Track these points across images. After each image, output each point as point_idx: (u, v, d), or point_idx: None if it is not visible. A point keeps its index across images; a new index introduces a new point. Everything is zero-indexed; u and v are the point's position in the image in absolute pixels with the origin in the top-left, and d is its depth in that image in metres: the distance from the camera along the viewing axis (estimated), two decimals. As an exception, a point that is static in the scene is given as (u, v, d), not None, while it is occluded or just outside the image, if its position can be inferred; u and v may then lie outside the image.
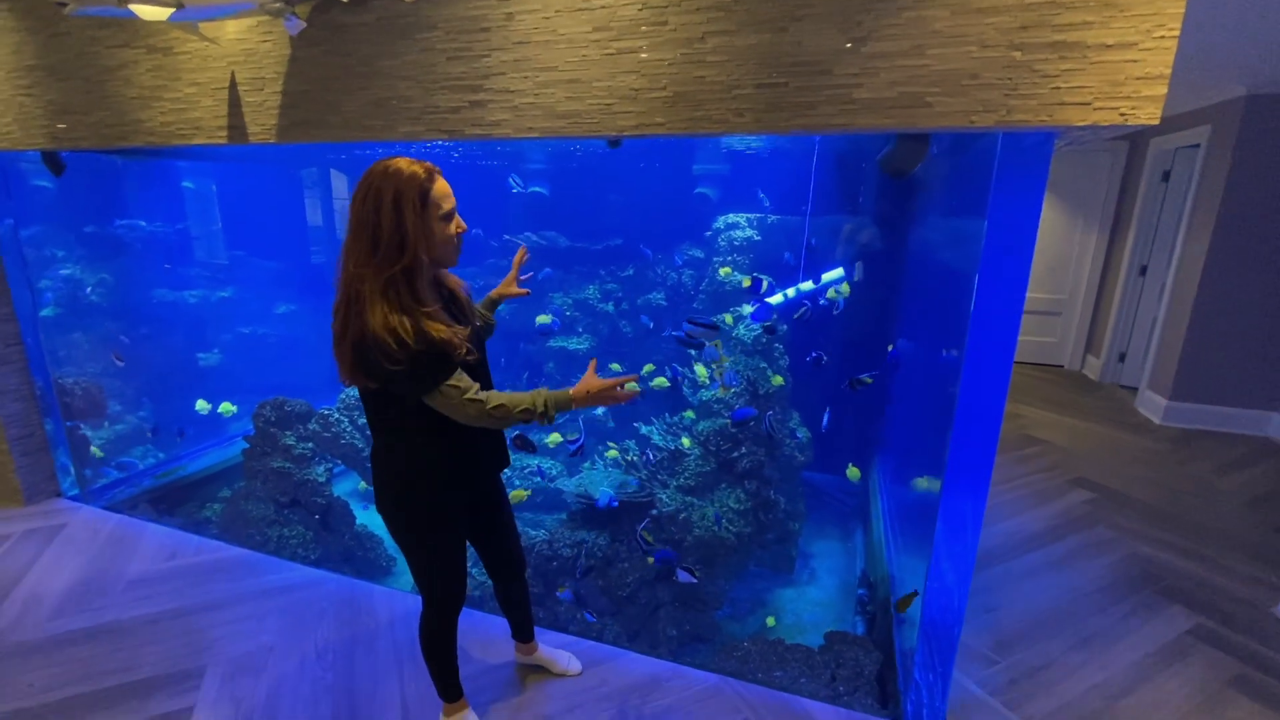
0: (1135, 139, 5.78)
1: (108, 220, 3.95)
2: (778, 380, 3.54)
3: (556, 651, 2.22)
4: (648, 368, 3.70)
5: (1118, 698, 2.14)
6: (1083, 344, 6.33)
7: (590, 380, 1.51)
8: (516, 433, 2.97)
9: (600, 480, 3.45)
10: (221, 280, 4.32)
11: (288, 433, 3.18)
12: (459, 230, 1.46)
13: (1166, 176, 5.40)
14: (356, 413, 3.34)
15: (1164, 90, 1.33)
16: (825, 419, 3.10)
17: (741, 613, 3.29)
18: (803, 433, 3.88)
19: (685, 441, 3.38)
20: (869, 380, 3.04)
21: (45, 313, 3.47)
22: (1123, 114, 1.36)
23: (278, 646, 2.29)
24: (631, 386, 1.53)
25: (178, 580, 2.69)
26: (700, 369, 3.50)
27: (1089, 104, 1.38)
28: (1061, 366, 6.46)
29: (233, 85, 2.16)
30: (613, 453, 3.47)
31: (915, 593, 2.19)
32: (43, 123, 2.53)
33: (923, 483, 3.23)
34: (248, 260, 4.57)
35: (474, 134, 1.87)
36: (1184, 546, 3.10)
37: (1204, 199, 4.65)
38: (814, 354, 3.16)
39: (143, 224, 4.07)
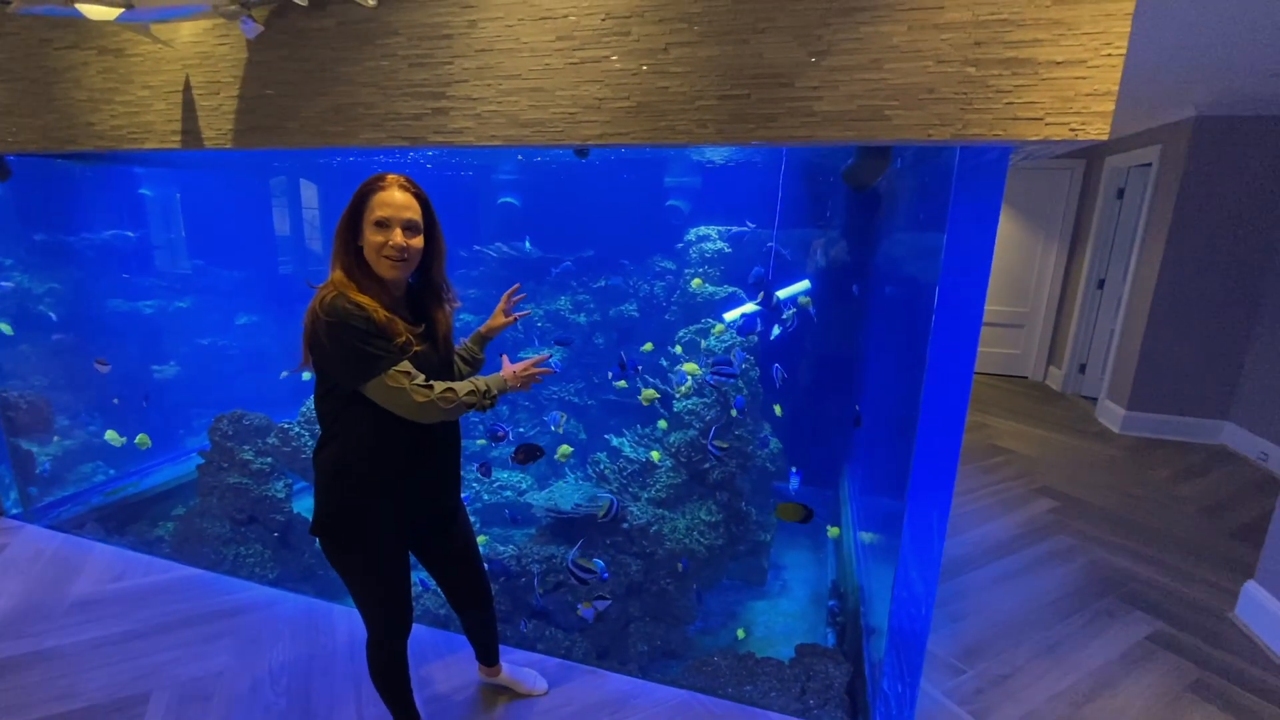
0: (1091, 157, 5.99)
1: (60, 228, 3.81)
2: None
3: (522, 670, 2.17)
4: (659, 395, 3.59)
5: (1081, 704, 2.16)
6: (1045, 355, 6.49)
7: (511, 365, 1.62)
8: (520, 443, 2.89)
9: (570, 493, 3.41)
10: (179, 290, 4.19)
11: (245, 447, 3.08)
12: (391, 242, 1.41)
13: (1121, 194, 5.60)
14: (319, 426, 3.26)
15: (1112, 106, 1.37)
16: (793, 479, 3.10)
17: (714, 626, 3.26)
18: (774, 443, 3.89)
19: (654, 455, 3.36)
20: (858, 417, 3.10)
21: (-11, 323, 3.32)
22: (1073, 129, 1.39)
23: (229, 670, 2.20)
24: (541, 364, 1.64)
25: (125, 602, 2.57)
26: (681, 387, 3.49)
27: (1041, 119, 1.41)
28: (1025, 377, 6.61)
29: (187, 88, 2.10)
30: (565, 449, 3.43)
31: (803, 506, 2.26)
32: (-14, 125, 2.43)
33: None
34: (208, 270, 4.44)
35: (436, 141, 1.84)
36: (1144, 553, 3.16)
37: (1156, 215, 4.82)
38: (776, 368, 3.18)
39: (99, 233, 3.94)
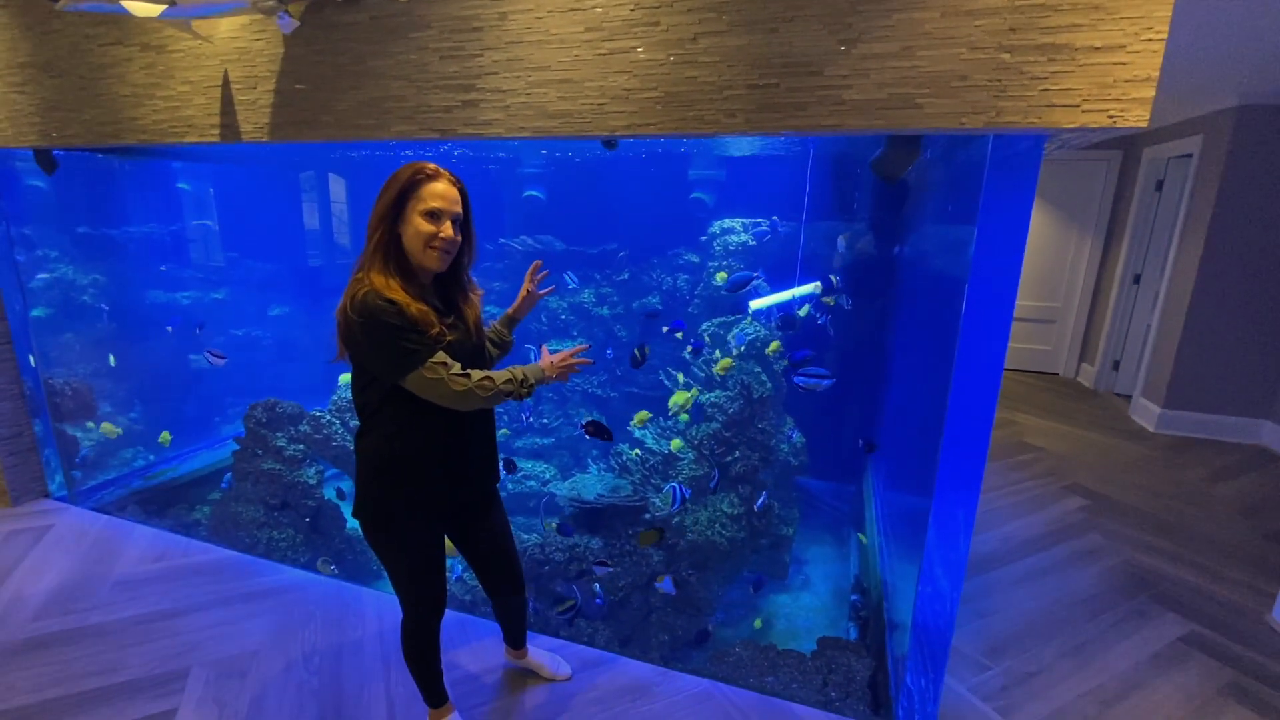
0: (1128, 148, 5.82)
1: (102, 222, 3.94)
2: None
3: (546, 654, 2.20)
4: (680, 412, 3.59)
5: (1110, 704, 2.13)
6: (1077, 352, 6.35)
7: (550, 356, 1.62)
8: (589, 419, 2.91)
9: (593, 484, 3.44)
10: (215, 282, 4.30)
11: (278, 434, 3.16)
12: (443, 233, 1.43)
13: (1160, 185, 5.43)
14: (349, 414, 3.33)
15: (1152, 93, 1.33)
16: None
17: (735, 618, 3.27)
18: (797, 437, 3.87)
19: (675, 444, 3.37)
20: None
21: (36, 313, 3.45)
22: (1111, 116, 1.36)
23: (263, 649, 2.27)
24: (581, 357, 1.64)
25: (164, 582, 2.66)
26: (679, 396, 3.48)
27: (1077, 106, 1.38)
28: (1056, 374, 6.47)
29: (225, 83, 2.15)
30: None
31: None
32: (35, 120, 2.52)
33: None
34: (242, 262, 4.55)
35: (466, 133, 1.87)
36: (1178, 553, 3.09)
37: (1196, 208, 4.68)
38: (803, 353, 3.16)
39: (139, 226, 4.06)
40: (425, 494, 1.57)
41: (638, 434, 3.65)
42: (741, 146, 3.44)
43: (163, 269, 4.27)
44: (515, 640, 2.12)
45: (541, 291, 1.87)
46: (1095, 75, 1.36)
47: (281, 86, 2.08)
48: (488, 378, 1.47)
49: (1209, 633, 2.51)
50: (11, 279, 3.13)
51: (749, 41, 1.58)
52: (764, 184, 4.05)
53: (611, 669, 2.22)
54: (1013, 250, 1.64)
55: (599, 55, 1.71)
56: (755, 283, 3.54)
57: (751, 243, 3.99)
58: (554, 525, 2.63)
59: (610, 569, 2.71)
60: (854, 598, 3.24)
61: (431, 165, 1.44)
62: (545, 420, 4.07)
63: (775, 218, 3.87)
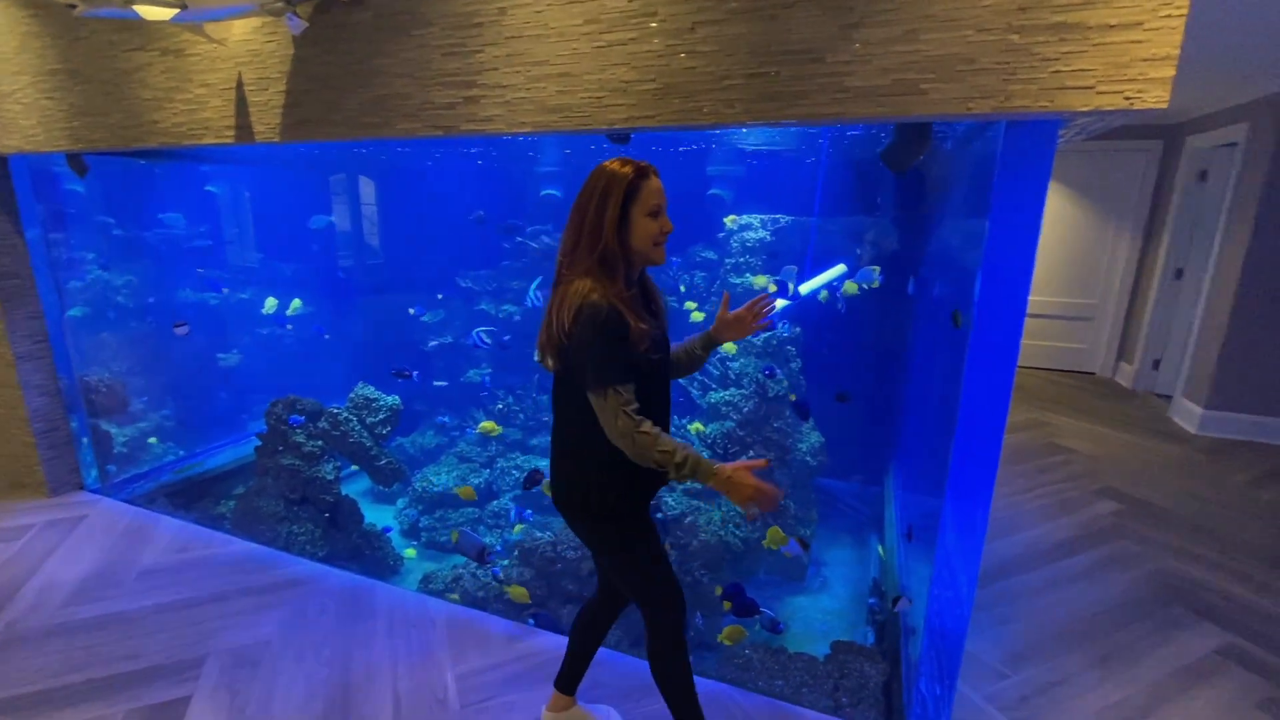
0: (1169, 138, 5.58)
1: (135, 223, 4.07)
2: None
3: (595, 707, 2.01)
4: (695, 426, 3.57)
5: (1136, 718, 2.03)
6: (1115, 350, 6.11)
7: (738, 469, 1.39)
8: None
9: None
10: (242, 282, 4.42)
11: (298, 430, 3.22)
12: (666, 228, 1.43)
13: (1204, 176, 5.19)
14: (365, 412, 3.38)
15: (1172, 72, 1.26)
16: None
17: (749, 621, 3.22)
18: (815, 437, 3.80)
19: (694, 427, 3.31)
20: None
21: (73, 312, 3.58)
22: (1128, 98, 1.29)
23: (276, 639, 2.31)
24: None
25: (187, 572, 2.74)
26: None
27: (1091, 88, 1.31)
28: (1093, 373, 6.24)
29: (239, 86, 2.20)
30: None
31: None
32: (64, 125, 2.61)
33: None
34: (267, 263, 4.67)
35: (468, 129, 1.87)
36: (1217, 561, 2.94)
37: (1242, 199, 4.45)
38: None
39: (169, 228, 4.20)
40: (648, 488, 1.54)
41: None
42: (759, 141, 3.38)
43: (200, 271, 4.40)
44: (572, 684, 1.91)
45: (759, 324, 1.67)
46: (1110, 55, 1.29)
47: (292, 87, 2.12)
48: (651, 434, 1.37)
49: (1248, 644, 2.38)
50: (49, 280, 3.25)
51: (747, 29, 1.54)
52: (782, 179, 3.98)
53: (618, 667, 2.20)
54: (1027, 242, 1.56)
55: (597, 48, 1.69)
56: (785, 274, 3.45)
57: (769, 239, 3.93)
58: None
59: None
60: (871, 601, 3.16)
61: (636, 162, 1.42)
62: (546, 417, 4.08)
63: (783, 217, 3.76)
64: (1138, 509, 3.45)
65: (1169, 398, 5.25)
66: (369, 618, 2.45)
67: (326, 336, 3.86)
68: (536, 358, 1.52)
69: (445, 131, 1.91)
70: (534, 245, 4.42)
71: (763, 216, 4.00)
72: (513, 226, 4.00)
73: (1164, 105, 1.28)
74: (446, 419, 4.39)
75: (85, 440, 3.47)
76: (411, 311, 4.40)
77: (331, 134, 2.09)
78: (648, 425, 1.38)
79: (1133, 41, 1.27)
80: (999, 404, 1.67)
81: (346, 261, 5.03)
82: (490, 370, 4.36)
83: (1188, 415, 4.78)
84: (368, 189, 4.96)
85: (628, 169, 1.40)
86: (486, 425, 3.61)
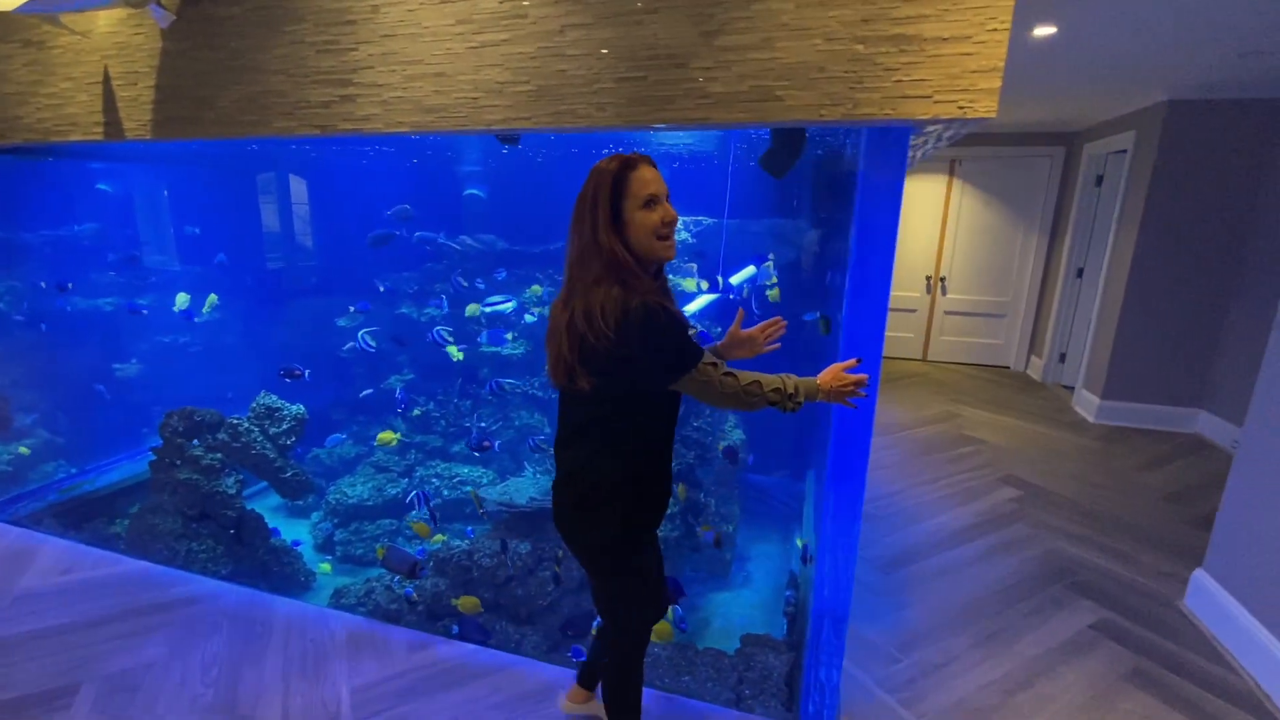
0: (1070, 144, 5.92)
1: (13, 224, 3.81)
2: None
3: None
4: None
5: (1013, 692, 2.14)
6: (1027, 345, 6.45)
7: (835, 374, 1.45)
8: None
9: (526, 487, 3.40)
10: (139, 288, 4.18)
11: (195, 443, 3.07)
12: (667, 216, 1.35)
13: (1099, 181, 5.54)
14: (268, 422, 3.25)
15: (999, 83, 1.34)
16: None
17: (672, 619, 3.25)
18: (737, 435, 3.87)
19: None
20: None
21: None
22: (961, 107, 1.37)
23: (160, 662, 2.20)
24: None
25: (68, 595, 2.58)
26: None
27: (929, 97, 1.38)
28: (1007, 367, 6.57)
29: (106, 80, 2.09)
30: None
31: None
32: (-83, 120, 2.42)
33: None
34: (168, 267, 4.44)
35: (345, 129, 1.83)
36: (1100, 542, 3.14)
37: (1130, 202, 4.77)
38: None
39: (58, 229, 3.94)
40: (659, 505, 1.55)
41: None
42: (681, 143, 3.41)
43: (111, 274, 4.14)
44: (593, 680, 2.00)
45: (769, 347, 1.69)
46: (944, 66, 1.36)
47: (162, 82, 2.02)
48: (755, 382, 1.37)
49: (1120, 619, 2.54)
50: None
51: (615, 34, 1.56)
52: (701, 181, 4.04)
53: (517, 672, 2.19)
54: (886, 239, 1.63)
55: (471, 48, 1.68)
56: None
57: (691, 240, 3.98)
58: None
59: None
60: (788, 593, 3.24)
61: (624, 155, 1.36)
62: (484, 424, 4.02)
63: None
64: (1035, 495, 3.65)
65: (1073, 389, 5.57)
66: (265, 635, 2.36)
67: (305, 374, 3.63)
68: (552, 381, 1.43)
69: (322, 130, 1.86)
70: (456, 247, 4.35)
71: (684, 219, 4.05)
72: (387, 236, 3.92)
73: (993, 114, 1.36)
74: (354, 428, 4.25)
75: (-40, 458, 3.22)
76: (352, 309, 4.24)
77: (206, 132, 2.01)
78: (745, 376, 1.38)
79: (963, 54, 1.35)
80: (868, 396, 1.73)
81: (260, 264, 4.82)
82: (412, 376, 4.27)
83: (1087, 405, 5.09)
84: (276, 189, 4.77)
85: (613, 164, 1.34)
86: (384, 435, 3.52)
